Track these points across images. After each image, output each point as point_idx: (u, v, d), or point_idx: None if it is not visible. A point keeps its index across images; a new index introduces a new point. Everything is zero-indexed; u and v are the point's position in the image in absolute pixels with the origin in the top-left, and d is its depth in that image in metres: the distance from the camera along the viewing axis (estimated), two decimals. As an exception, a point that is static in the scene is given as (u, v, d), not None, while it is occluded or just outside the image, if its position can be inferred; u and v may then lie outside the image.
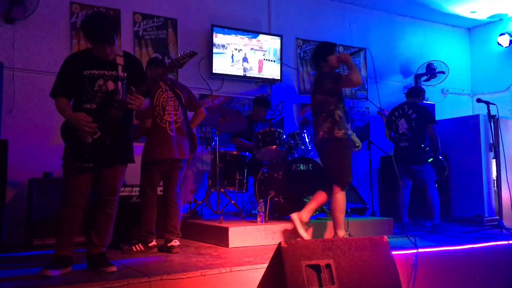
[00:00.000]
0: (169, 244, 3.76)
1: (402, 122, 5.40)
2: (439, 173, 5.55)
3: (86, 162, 2.97)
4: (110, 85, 3.04)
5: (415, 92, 5.61)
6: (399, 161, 5.24)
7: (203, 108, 4.21)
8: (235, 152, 5.16)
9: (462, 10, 7.45)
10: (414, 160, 5.27)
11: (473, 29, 8.27)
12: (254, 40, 6.13)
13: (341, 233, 3.85)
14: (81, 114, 2.93)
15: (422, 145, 5.30)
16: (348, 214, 4.71)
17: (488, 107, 5.21)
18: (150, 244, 3.81)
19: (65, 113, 3.00)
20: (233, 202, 4.97)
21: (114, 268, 3.00)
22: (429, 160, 5.32)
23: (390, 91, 7.36)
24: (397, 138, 5.42)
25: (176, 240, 3.79)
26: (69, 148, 2.98)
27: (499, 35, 7.49)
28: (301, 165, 4.80)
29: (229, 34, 5.96)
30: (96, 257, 3.07)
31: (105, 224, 3.15)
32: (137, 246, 3.83)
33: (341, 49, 6.98)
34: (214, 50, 5.84)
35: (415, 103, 5.48)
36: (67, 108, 3.01)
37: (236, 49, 6.00)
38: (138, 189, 4.58)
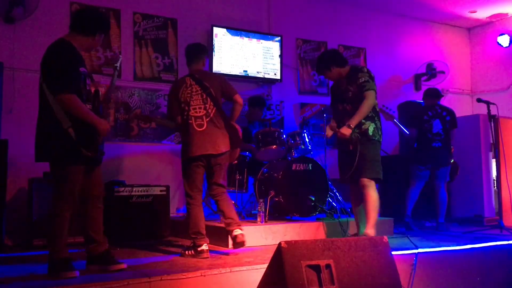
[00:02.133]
0: (233, 235, 3.59)
1: (436, 122, 5.43)
2: (453, 174, 5.70)
3: (98, 162, 3.04)
4: (89, 84, 3.07)
5: (436, 94, 5.68)
6: (429, 161, 5.36)
7: (237, 95, 3.87)
8: (235, 152, 5.16)
9: (462, 10, 7.45)
10: (445, 161, 5.40)
11: (473, 29, 8.27)
12: (254, 40, 6.13)
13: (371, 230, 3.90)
14: (102, 119, 2.99)
15: (452, 146, 5.48)
16: (347, 214, 4.71)
17: (488, 107, 5.21)
18: (199, 248, 3.53)
19: (87, 114, 2.89)
20: (233, 202, 4.96)
21: (123, 265, 3.02)
22: (451, 161, 5.51)
23: (390, 91, 7.36)
24: (429, 138, 5.40)
25: (238, 229, 3.60)
26: (84, 147, 2.87)
27: (499, 35, 7.49)
28: (301, 165, 4.80)
29: (228, 34, 5.96)
30: (102, 255, 3.06)
31: (101, 220, 3.15)
32: (188, 251, 3.61)
33: (341, 49, 6.98)
34: (214, 50, 5.84)
35: (444, 106, 5.64)
36: (86, 107, 2.92)
37: (236, 49, 6.00)
38: (138, 189, 4.61)
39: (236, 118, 3.89)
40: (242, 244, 3.57)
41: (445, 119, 5.45)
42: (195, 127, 3.68)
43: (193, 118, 3.70)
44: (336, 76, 4.05)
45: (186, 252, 3.61)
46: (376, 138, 3.89)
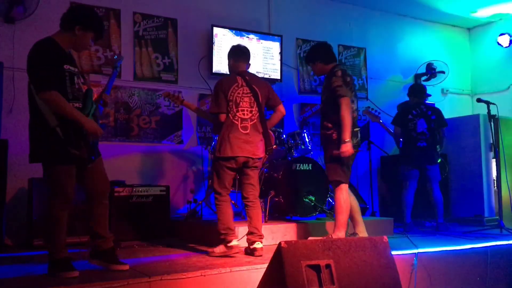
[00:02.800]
0: (251, 247, 3.60)
1: (421, 121, 5.37)
2: (442, 172, 5.62)
3: (89, 161, 2.99)
4: (82, 82, 3.07)
5: (420, 92, 5.58)
6: (414, 160, 5.31)
7: (282, 105, 3.93)
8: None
9: (462, 10, 7.45)
10: (430, 160, 5.31)
11: (473, 29, 8.26)
12: (254, 40, 6.12)
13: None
14: (89, 119, 2.97)
15: (437, 146, 5.40)
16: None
17: (488, 107, 5.21)
18: (229, 244, 3.55)
19: (71, 112, 2.84)
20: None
21: (126, 267, 3.03)
22: (439, 161, 5.43)
23: (390, 91, 7.37)
24: (414, 138, 5.35)
25: (259, 242, 3.61)
26: (72, 146, 2.86)
27: (499, 35, 7.49)
28: (301, 165, 4.80)
29: (229, 34, 5.95)
30: (107, 252, 3.07)
31: (107, 216, 3.15)
32: (217, 248, 3.60)
33: (341, 49, 6.99)
34: (214, 50, 5.84)
35: (429, 104, 5.60)
36: (69, 105, 2.86)
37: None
38: (138, 189, 4.61)
39: (274, 125, 3.96)
40: (258, 257, 3.54)
41: (430, 118, 5.38)
42: (240, 129, 3.67)
43: (239, 119, 3.69)
44: (319, 71, 4.07)
45: (215, 249, 3.59)
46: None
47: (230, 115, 3.69)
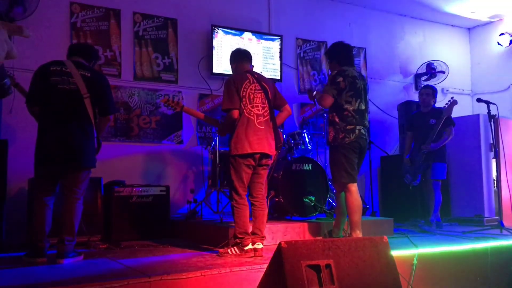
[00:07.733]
0: (252, 247, 3.58)
1: (433, 121, 5.43)
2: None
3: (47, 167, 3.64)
4: None
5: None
6: (430, 159, 5.36)
7: (288, 105, 3.94)
8: (235, 152, 5.14)
9: (462, 10, 7.45)
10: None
11: (473, 29, 8.27)
12: (254, 40, 6.12)
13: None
14: None
15: None
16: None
17: (488, 107, 5.21)
18: (246, 248, 3.53)
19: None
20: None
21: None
22: None
23: (390, 91, 7.37)
24: (430, 138, 5.40)
25: (260, 243, 3.59)
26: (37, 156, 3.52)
27: (499, 35, 7.49)
28: (301, 165, 4.80)
29: (229, 34, 5.96)
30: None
31: (66, 213, 3.57)
32: (231, 249, 3.57)
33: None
34: (214, 50, 5.84)
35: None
36: None
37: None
38: (138, 189, 4.60)
39: (281, 124, 3.99)
40: (259, 257, 3.54)
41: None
42: (257, 125, 3.64)
43: (255, 115, 3.66)
44: (332, 69, 4.19)
45: (229, 250, 3.57)
46: (336, 144, 3.88)
47: (245, 111, 3.64)
